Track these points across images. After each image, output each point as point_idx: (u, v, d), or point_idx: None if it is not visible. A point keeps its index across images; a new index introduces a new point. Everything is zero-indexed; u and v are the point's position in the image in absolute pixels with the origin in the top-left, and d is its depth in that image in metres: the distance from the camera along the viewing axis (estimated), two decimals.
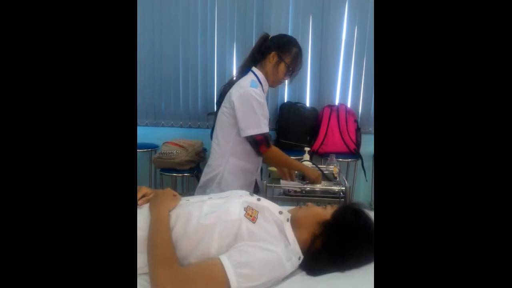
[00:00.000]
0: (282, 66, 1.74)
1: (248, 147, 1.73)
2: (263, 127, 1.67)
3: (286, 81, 1.88)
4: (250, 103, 1.64)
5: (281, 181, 1.83)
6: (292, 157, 1.81)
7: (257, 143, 1.69)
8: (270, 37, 1.80)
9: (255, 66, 1.78)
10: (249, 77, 1.74)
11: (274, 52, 1.73)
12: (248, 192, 1.24)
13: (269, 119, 3.11)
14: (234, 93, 1.68)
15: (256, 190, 1.86)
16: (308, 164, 2.01)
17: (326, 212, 1.12)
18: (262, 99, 1.68)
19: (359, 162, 3.05)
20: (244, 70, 1.80)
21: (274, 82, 1.80)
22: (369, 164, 3.09)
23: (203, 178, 1.81)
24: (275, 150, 1.75)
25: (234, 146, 1.73)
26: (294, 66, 1.77)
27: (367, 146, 3.09)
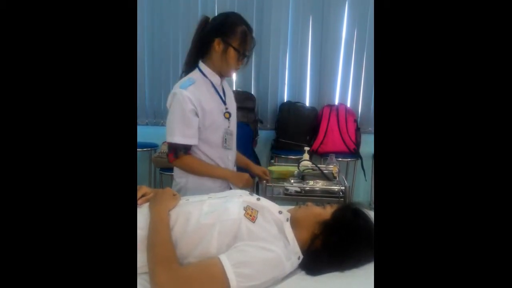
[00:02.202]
0: (231, 52, 1.49)
1: (211, 155, 1.59)
2: (175, 134, 1.49)
3: (242, 68, 1.60)
4: (172, 106, 1.51)
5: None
6: (214, 167, 1.59)
7: (168, 150, 1.55)
8: (209, 20, 1.56)
9: (202, 59, 1.56)
10: (190, 75, 1.56)
11: (218, 38, 1.48)
12: (247, 192, 1.24)
13: (269, 118, 3.20)
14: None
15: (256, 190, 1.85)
16: (307, 163, 2.00)
17: (326, 212, 1.12)
18: (192, 102, 1.47)
19: (359, 161, 3.05)
20: (189, 66, 1.59)
21: (227, 72, 1.58)
22: (369, 164, 3.09)
23: None
24: (186, 161, 1.54)
25: (192, 153, 1.58)
26: (244, 47, 1.51)
27: (367, 145, 3.09)
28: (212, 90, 1.58)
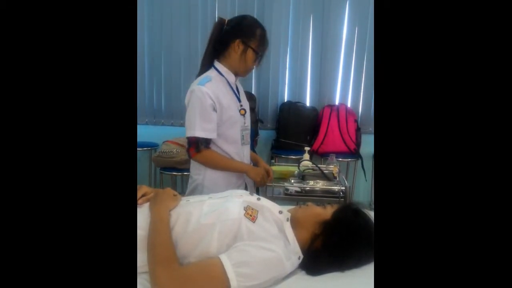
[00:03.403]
0: (250, 53, 1.57)
1: (228, 150, 1.62)
2: (196, 129, 1.52)
3: (255, 68, 1.69)
4: (191, 102, 1.54)
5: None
6: (233, 161, 1.64)
7: (188, 145, 1.57)
8: (226, 22, 1.59)
9: (218, 59, 1.62)
10: (206, 73, 1.61)
11: (238, 39, 1.54)
12: (248, 192, 1.24)
13: (269, 118, 3.20)
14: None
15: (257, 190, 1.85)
16: (307, 163, 2.00)
17: (326, 212, 1.12)
18: (211, 97, 1.52)
19: (359, 162, 3.05)
20: (206, 65, 1.64)
21: (244, 72, 1.65)
22: (369, 164, 3.09)
23: (188, 189, 1.71)
24: (207, 155, 1.58)
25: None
26: (262, 49, 1.60)
27: (367, 146, 3.09)
28: (228, 87, 1.63)
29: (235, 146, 1.65)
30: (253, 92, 3.17)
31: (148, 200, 1.16)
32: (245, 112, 1.68)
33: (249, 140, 1.73)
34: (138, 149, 3.00)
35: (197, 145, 1.55)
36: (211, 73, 1.60)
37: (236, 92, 1.67)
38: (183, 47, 3.15)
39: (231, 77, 1.63)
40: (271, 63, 3.14)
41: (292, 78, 3.20)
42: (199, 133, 1.53)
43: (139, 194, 1.17)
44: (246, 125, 1.68)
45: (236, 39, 1.54)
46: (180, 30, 3.13)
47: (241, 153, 1.68)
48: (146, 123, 3.31)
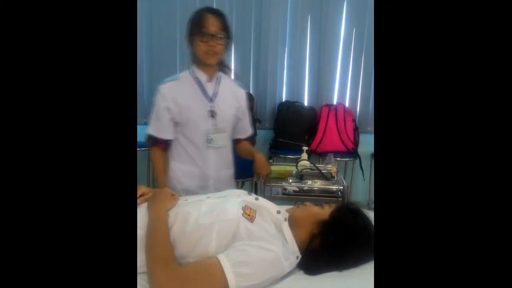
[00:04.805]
0: (196, 39, 1.52)
1: (190, 152, 1.63)
2: (150, 126, 1.64)
3: (225, 51, 1.59)
4: (155, 100, 1.61)
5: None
6: (161, 171, 1.66)
7: (147, 139, 1.67)
8: None
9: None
10: (181, 72, 1.66)
11: (188, 39, 1.57)
12: (246, 192, 1.24)
13: (267, 118, 3.20)
14: None
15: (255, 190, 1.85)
16: (306, 163, 2.00)
17: (324, 211, 1.12)
18: (165, 98, 1.56)
19: (357, 161, 3.06)
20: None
21: (204, 58, 1.54)
22: (367, 164, 3.10)
23: None
24: (152, 153, 1.66)
25: (174, 149, 1.66)
26: (204, 26, 1.50)
27: (365, 145, 3.10)
28: (197, 87, 1.60)
29: (196, 148, 1.62)
30: (251, 92, 3.17)
31: (146, 200, 1.16)
32: (215, 114, 1.60)
33: (222, 143, 1.65)
34: (137, 149, 3.00)
35: (149, 141, 1.65)
36: (184, 72, 1.64)
37: (211, 92, 1.61)
38: (181, 47, 3.15)
39: (202, 76, 1.60)
40: (269, 62, 3.14)
41: (290, 77, 3.20)
42: (151, 130, 1.64)
43: (137, 194, 1.17)
44: (217, 127, 1.61)
45: (188, 41, 1.57)
46: (179, 30, 3.13)
47: (205, 156, 1.63)
48: (145, 124, 3.30)
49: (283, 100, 3.22)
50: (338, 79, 3.18)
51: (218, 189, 1.63)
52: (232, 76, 1.83)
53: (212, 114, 1.60)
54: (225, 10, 3.03)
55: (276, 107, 3.18)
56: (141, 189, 1.20)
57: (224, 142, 1.66)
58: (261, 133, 3.22)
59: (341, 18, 3.08)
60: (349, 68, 3.15)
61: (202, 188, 1.63)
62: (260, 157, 1.68)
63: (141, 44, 3.10)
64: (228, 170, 1.74)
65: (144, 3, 3.07)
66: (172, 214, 1.08)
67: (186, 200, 1.19)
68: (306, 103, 3.21)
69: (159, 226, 1.03)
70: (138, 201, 1.16)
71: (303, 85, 3.20)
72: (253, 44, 3.12)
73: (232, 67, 3.13)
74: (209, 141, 1.61)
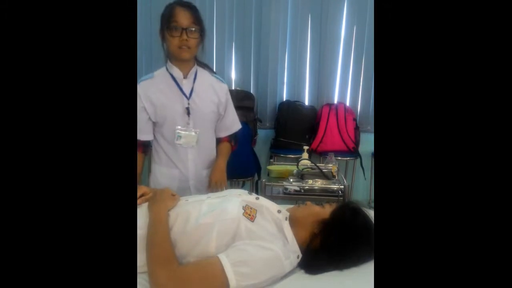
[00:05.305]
0: (166, 34, 1.47)
1: (167, 151, 1.59)
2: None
3: (199, 45, 1.53)
4: None
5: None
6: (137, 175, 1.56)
7: None
8: None
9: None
10: (157, 70, 1.60)
11: (160, 34, 1.52)
12: (246, 191, 1.24)
13: (268, 117, 3.20)
14: None
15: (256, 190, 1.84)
16: (306, 162, 2.00)
17: (325, 210, 1.12)
18: (140, 99, 1.52)
19: (358, 160, 3.05)
20: None
21: (176, 54, 1.50)
22: (368, 163, 3.10)
23: None
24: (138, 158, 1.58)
25: (154, 151, 1.62)
26: (174, 20, 1.44)
27: (366, 144, 3.09)
28: (172, 83, 1.55)
29: (174, 149, 1.58)
30: (251, 91, 3.17)
31: (146, 200, 1.16)
32: (191, 111, 1.55)
33: (192, 142, 1.58)
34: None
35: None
36: (160, 69, 1.58)
37: (187, 89, 1.56)
38: None
39: (176, 72, 1.55)
40: (269, 62, 3.14)
41: (291, 77, 3.20)
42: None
43: (138, 194, 1.17)
44: (189, 125, 1.56)
45: (161, 38, 1.53)
46: None
47: (183, 156, 1.59)
48: None
49: (284, 99, 3.22)
50: (338, 78, 3.18)
51: (199, 190, 1.61)
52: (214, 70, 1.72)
53: (188, 111, 1.55)
54: (225, 11, 3.06)
55: (277, 106, 3.18)
56: (142, 189, 1.20)
57: (194, 141, 1.59)
58: (261, 133, 3.22)
59: (341, 17, 3.07)
60: (349, 67, 3.15)
61: (183, 190, 1.58)
62: (219, 164, 1.65)
63: (141, 44, 3.10)
64: (209, 170, 1.67)
65: (144, 3, 3.07)
66: (172, 214, 1.08)
67: (187, 200, 1.19)
68: (306, 103, 3.21)
69: (160, 226, 1.03)
70: (139, 201, 1.16)
71: (304, 84, 3.20)
72: (253, 43, 3.11)
73: (232, 67, 3.13)
74: (177, 138, 1.55)
